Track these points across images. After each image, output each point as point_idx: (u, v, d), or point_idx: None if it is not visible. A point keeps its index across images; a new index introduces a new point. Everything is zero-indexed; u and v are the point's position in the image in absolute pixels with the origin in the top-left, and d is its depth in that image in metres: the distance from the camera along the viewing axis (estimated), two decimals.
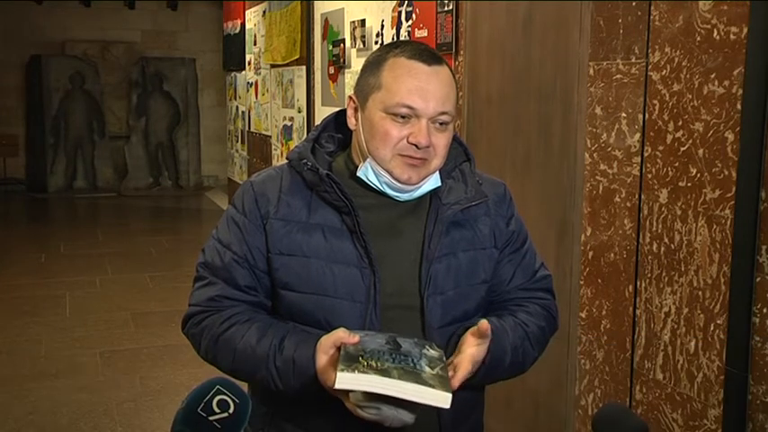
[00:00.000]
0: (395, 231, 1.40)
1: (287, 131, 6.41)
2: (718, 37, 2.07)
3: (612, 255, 2.49)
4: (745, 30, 1.97)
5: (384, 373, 1.17)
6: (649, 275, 2.34)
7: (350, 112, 1.43)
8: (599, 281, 2.55)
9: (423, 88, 1.34)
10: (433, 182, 1.41)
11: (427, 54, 1.38)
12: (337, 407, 1.29)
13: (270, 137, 6.98)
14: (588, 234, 2.60)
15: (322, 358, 1.26)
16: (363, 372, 1.16)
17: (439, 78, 1.36)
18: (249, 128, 7.82)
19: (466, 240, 1.43)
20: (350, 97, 1.43)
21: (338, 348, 1.25)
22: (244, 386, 1.16)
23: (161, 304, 5.52)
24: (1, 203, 9.95)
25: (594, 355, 2.59)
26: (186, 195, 10.82)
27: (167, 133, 10.89)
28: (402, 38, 4.09)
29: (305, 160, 1.39)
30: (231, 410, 1.09)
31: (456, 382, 1.26)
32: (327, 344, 1.26)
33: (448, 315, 1.38)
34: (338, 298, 1.35)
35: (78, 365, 4.31)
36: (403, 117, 1.34)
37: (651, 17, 2.30)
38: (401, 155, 1.35)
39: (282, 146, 6.54)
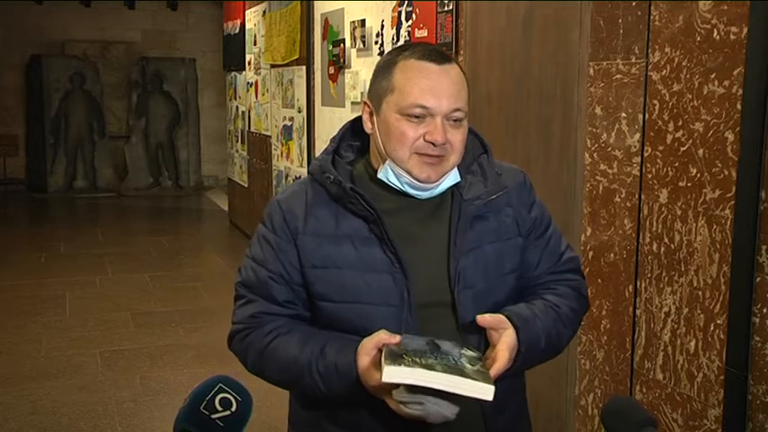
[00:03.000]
0: (420, 232, 1.43)
1: (287, 131, 6.41)
2: (718, 37, 2.07)
3: (612, 255, 2.49)
4: (745, 30, 1.97)
5: (429, 367, 1.21)
6: (649, 275, 2.34)
7: (365, 117, 1.46)
8: (599, 281, 2.55)
9: (435, 87, 1.36)
10: (453, 178, 1.44)
11: (437, 54, 1.40)
12: (378, 409, 1.32)
13: (270, 137, 6.98)
14: (588, 234, 2.60)
15: (364, 359, 1.30)
16: (410, 366, 1.19)
17: (450, 77, 1.39)
18: (249, 128, 7.82)
19: (490, 232, 1.45)
20: (364, 102, 1.46)
21: (379, 350, 1.28)
22: (246, 385, 1.16)
23: (161, 304, 5.52)
24: (1, 203, 9.95)
25: (594, 355, 2.59)
26: (186, 195, 10.82)
27: (167, 133, 10.89)
28: (402, 38, 4.09)
29: (327, 173, 1.42)
30: (234, 408, 1.09)
31: (496, 372, 1.29)
32: (369, 345, 1.30)
33: (480, 308, 1.40)
34: (373, 304, 1.38)
35: (78, 365, 4.31)
36: (417, 117, 1.37)
37: (651, 17, 2.30)
38: (418, 153, 1.38)
39: (282, 146, 6.54)
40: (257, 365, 1.44)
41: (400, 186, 1.41)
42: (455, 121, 1.39)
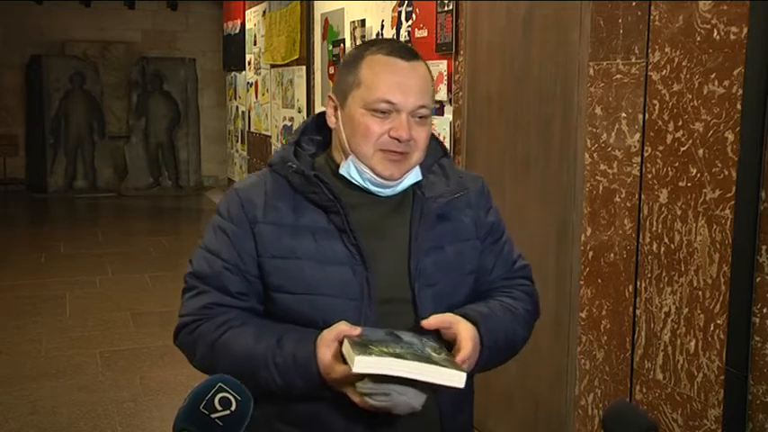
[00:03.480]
0: (382, 228, 1.42)
1: (287, 131, 6.41)
2: (718, 37, 2.07)
3: (612, 255, 2.49)
4: (745, 30, 1.97)
5: (398, 356, 1.18)
6: (649, 275, 2.34)
7: (329, 111, 1.44)
8: (599, 281, 2.55)
9: (402, 83, 1.36)
10: (414, 176, 1.43)
11: (404, 50, 1.40)
12: (334, 404, 1.30)
13: (270, 137, 6.98)
14: (588, 234, 2.60)
15: (324, 351, 1.27)
16: (380, 355, 1.17)
17: (417, 73, 1.39)
18: (249, 128, 7.82)
19: (451, 233, 1.45)
20: (329, 96, 1.45)
21: (340, 342, 1.27)
22: None
23: (161, 304, 5.52)
24: (1, 203, 9.95)
25: (594, 355, 2.59)
26: (186, 195, 10.81)
27: (167, 133, 10.88)
28: (402, 38, 4.09)
29: (289, 163, 1.40)
30: (233, 408, 1.09)
31: (462, 360, 1.29)
32: (329, 337, 1.28)
33: (440, 307, 1.39)
34: (333, 297, 1.36)
35: (78, 365, 4.31)
36: (383, 112, 1.36)
37: (651, 17, 2.30)
38: (383, 150, 1.37)
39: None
40: (207, 359, 1.39)
41: (362, 183, 1.40)
42: (420, 117, 1.38)
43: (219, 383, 1.10)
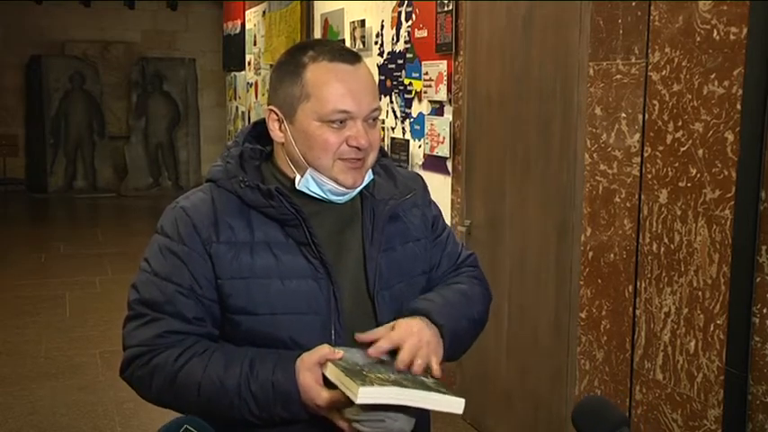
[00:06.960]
0: (337, 236, 1.39)
1: None
2: (718, 37, 2.07)
3: (612, 255, 2.49)
4: (745, 30, 1.97)
5: (397, 384, 1.17)
6: (649, 275, 2.34)
7: (273, 126, 1.38)
8: (599, 281, 2.55)
9: (353, 90, 1.32)
10: (369, 176, 1.41)
11: (347, 53, 1.36)
12: (308, 429, 1.27)
13: None
14: (588, 234, 2.60)
15: (306, 375, 1.23)
16: (381, 384, 1.15)
17: (364, 76, 1.35)
18: None
19: (401, 234, 1.43)
20: (270, 109, 1.38)
21: (320, 366, 1.23)
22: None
23: None
24: (1, 203, 9.94)
25: (594, 355, 2.59)
26: None
27: (167, 133, 10.88)
28: (402, 38, 4.09)
29: (239, 177, 1.34)
30: None
31: (407, 355, 1.26)
32: (311, 361, 1.24)
33: (395, 311, 1.38)
34: (299, 314, 1.31)
35: (78, 365, 4.31)
36: (341, 122, 1.32)
37: (651, 17, 2.30)
38: (342, 159, 1.33)
39: None
40: (166, 392, 1.29)
41: (323, 195, 1.36)
42: (373, 119, 1.35)
43: (186, 425, 1.09)
